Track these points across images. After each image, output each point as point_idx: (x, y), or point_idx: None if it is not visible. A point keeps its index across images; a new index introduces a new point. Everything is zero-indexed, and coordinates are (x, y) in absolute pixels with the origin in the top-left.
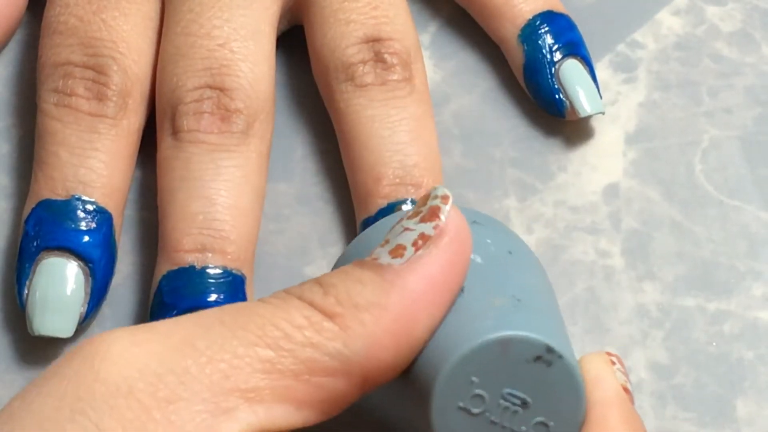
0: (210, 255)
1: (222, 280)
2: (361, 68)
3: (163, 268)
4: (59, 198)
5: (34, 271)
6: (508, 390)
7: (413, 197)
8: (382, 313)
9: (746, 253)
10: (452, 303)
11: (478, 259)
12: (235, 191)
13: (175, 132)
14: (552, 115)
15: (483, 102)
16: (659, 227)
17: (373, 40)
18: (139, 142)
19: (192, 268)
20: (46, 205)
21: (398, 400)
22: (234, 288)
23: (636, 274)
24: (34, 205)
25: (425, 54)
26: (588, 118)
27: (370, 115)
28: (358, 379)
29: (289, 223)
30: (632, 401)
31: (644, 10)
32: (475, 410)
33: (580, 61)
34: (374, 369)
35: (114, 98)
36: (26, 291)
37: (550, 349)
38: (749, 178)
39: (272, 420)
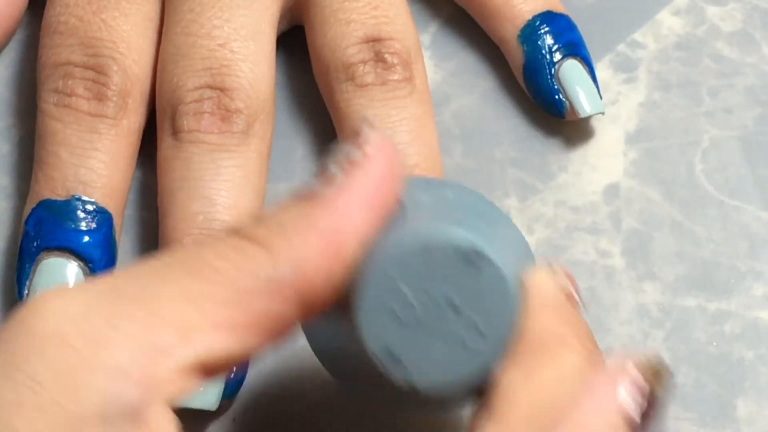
0: None
1: None
2: (361, 68)
3: None
4: (59, 198)
5: (35, 271)
6: (437, 295)
7: None
8: (309, 232)
9: (747, 253)
10: (382, 218)
11: (429, 200)
12: (235, 191)
13: (176, 132)
14: (552, 116)
15: (483, 102)
16: (659, 227)
17: (374, 40)
18: (140, 142)
19: None
20: (46, 205)
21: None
22: None
23: (636, 274)
24: (34, 205)
25: (425, 54)
26: (588, 118)
27: (371, 115)
28: (293, 301)
29: None
30: (576, 307)
31: (644, 10)
32: (406, 318)
33: (580, 62)
34: (308, 290)
35: (114, 98)
36: (26, 291)
37: (478, 253)
38: (749, 178)
39: (210, 352)
